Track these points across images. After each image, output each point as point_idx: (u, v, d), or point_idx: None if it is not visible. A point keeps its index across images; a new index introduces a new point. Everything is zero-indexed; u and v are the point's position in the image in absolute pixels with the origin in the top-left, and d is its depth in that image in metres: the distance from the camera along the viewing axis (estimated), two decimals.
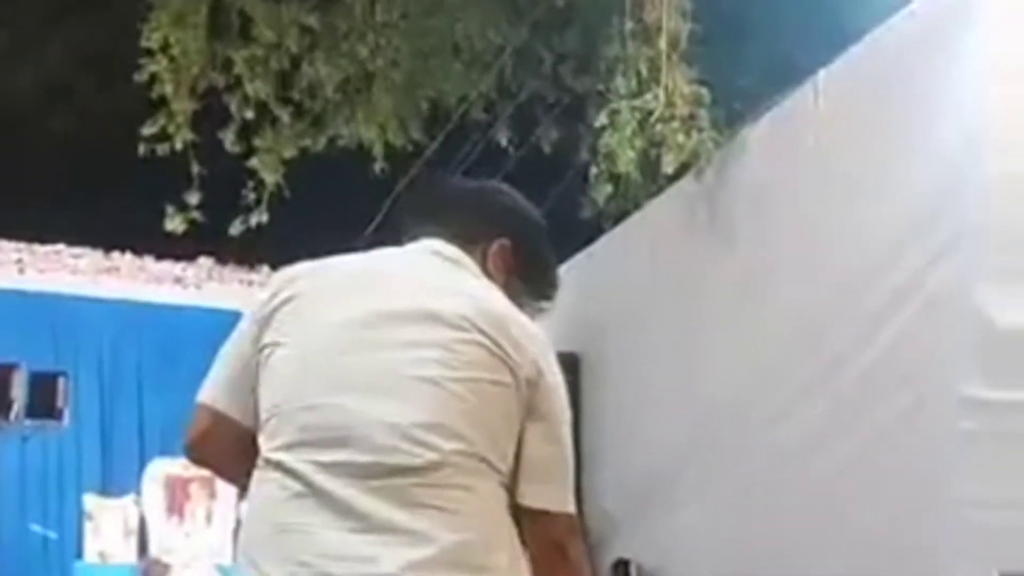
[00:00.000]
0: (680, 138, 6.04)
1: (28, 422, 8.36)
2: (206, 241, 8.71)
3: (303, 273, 2.33)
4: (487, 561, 2.13)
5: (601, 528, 7.72)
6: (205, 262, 10.13)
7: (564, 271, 8.67)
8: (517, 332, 2.22)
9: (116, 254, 9.85)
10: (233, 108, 7.33)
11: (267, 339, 2.24)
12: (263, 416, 2.22)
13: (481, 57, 7.35)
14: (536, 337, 2.26)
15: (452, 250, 2.34)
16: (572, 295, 8.12)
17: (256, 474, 2.21)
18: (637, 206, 7.27)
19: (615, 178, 6.54)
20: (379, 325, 2.18)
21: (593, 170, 6.61)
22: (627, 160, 6.20)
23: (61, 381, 8.42)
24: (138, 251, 9.87)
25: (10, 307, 9.38)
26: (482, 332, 2.17)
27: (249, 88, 7.32)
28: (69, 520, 9.63)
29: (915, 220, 5.28)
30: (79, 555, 9.54)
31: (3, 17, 8.74)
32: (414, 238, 2.38)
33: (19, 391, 8.07)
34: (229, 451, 2.30)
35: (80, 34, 8.81)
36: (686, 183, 6.49)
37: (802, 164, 5.73)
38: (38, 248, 9.63)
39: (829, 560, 5.41)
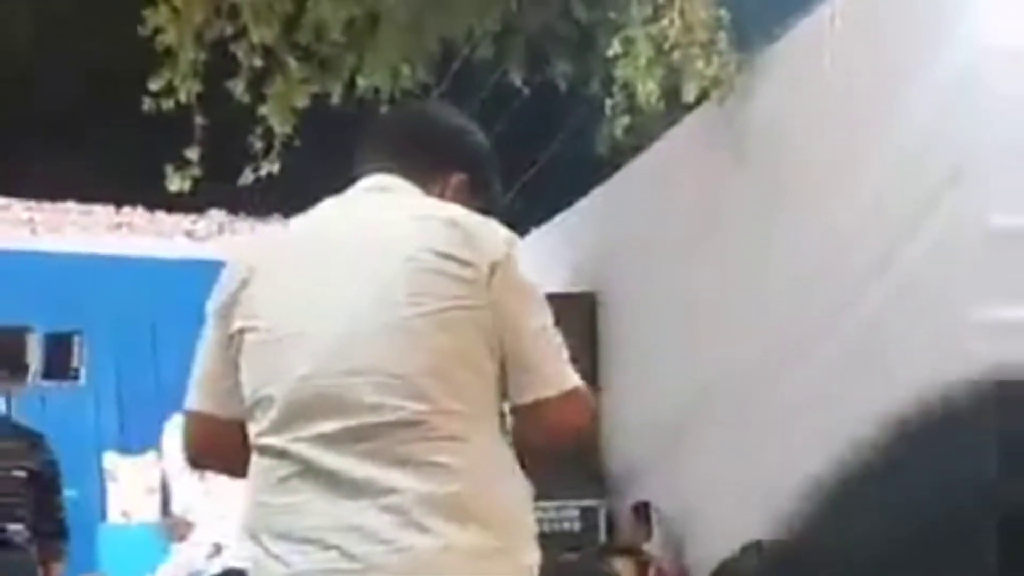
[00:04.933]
0: (700, 64, 5.95)
1: (45, 383, 8.25)
2: (217, 193, 8.63)
3: (252, 252, 2.37)
4: (477, 511, 2.12)
5: (621, 470, 7.68)
6: (216, 214, 10.07)
7: (579, 209, 8.62)
8: (471, 229, 2.18)
9: (127, 209, 9.84)
10: (241, 56, 7.18)
11: (235, 327, 2.23)
12: (247, 404, 2.22)
13: None
14: (493, 227, 2.23)
15: (392, 180, 2.31)
16: (588, 233, 8.15)
17: (252, 461, 2.22)
18: (653, 138, 7.18)
19: (633, 110, 6.46)
20: (336, 285, 2.17)
21: (609, 102, 6.52)
22: (647, 91, 6.09)
23: (76, 340, 8.32)
24: (148, 205, 9.84)
25: (23, 268, 9.35)
26: (435, 254, 2.13)
27: (255, 35, 7.18)
28: (91, 481, 9.62)
29: (930, 138, 5.25)
30: (103, 515, 9.53)
31: None
32: (366, 173, 2.34)
33: (34, 353, 7.95)
34: (228, 451, 2.28)
35: None
36: (705, 110, 6.40)
37: (820, 84, 5.66)
38: (48, 206, 9.60)
39: None
